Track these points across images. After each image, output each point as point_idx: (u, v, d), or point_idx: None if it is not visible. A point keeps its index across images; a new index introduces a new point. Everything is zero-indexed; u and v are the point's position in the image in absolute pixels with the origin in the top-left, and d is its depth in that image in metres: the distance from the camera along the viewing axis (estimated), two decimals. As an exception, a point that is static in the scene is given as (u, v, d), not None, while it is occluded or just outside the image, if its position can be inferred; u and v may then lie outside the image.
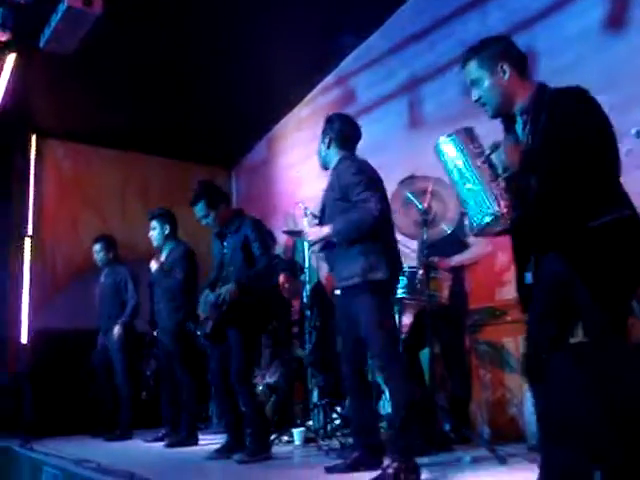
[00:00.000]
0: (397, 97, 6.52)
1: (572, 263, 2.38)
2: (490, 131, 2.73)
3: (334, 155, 3.84)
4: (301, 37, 6.56)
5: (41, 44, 5.18)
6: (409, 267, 4.48)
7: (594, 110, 2.47)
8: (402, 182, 4.50)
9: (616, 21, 4.63)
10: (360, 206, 3.50)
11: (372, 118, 6.64)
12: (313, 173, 7.42)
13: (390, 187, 4.05)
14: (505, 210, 2.42)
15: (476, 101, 2.66)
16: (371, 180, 3.62)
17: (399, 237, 4.63)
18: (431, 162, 5.29)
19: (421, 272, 4.34)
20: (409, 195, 4.42)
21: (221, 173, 9.10)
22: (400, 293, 4.38)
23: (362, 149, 3.96)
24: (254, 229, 4.61)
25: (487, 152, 2.52)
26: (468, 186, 2.49)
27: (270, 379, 5.89)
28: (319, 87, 7.61)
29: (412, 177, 4.51)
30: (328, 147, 3.86)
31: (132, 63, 6.54)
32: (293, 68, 7.10)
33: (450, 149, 2.58)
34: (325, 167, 3.94)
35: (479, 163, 2.48)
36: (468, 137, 2.57)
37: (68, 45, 5.18)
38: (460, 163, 2.53)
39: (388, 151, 6.21)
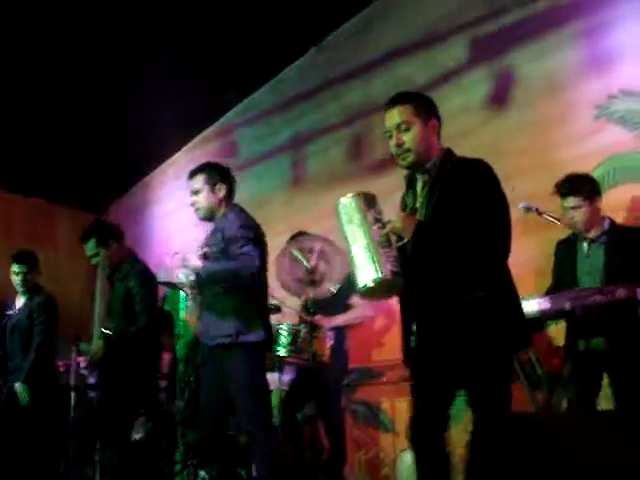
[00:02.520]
0: (280, 154, 6.58)
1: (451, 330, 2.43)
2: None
3: (222, 207, 3.66)
4: (183, 86, 6.46)
5: None
6: (292, 325, 4.47)
7: (498, 188, 2.53)
8: (291, 239, 4.51)
9: (499, 98, 4.93)
10: (241, 258, 3.39)
11: (254, 173, 6.65)
12: (189, 222, 7.30)
13: (270, 243, 3.84)
14: (389, 276, 2.43)
15: (398, 145, 2.60)
16: (256, 237, 3.55)
17: (281, 294, 4.63)
18: (312, 219, 5.33)
19: (305, 330, 4.33)
20: (295, 252, 4.41)
21: (90, 218, 8.70)
22: (282, 352, 4.36)
23: (243, 204, 3.80)
24: (138, 283, 4.31)
25: (384, 220, 2.54)
26: (358, 249, 2.50)
27: (135, 435, 5.59)
28: (200, 137, 7.54)
29: (301, 234, 4.53)
30: (221, 198, 3.66)
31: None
32: (172, 116, 6.94)
33: (348, 211, 2.57)
34: (209, 218, 3.71)
35: (375, 228, 2.50)
36: (368, 202, 2.57)
37: None
38: (355, 226, 2.54)
39: (269, 207, 6.23)
